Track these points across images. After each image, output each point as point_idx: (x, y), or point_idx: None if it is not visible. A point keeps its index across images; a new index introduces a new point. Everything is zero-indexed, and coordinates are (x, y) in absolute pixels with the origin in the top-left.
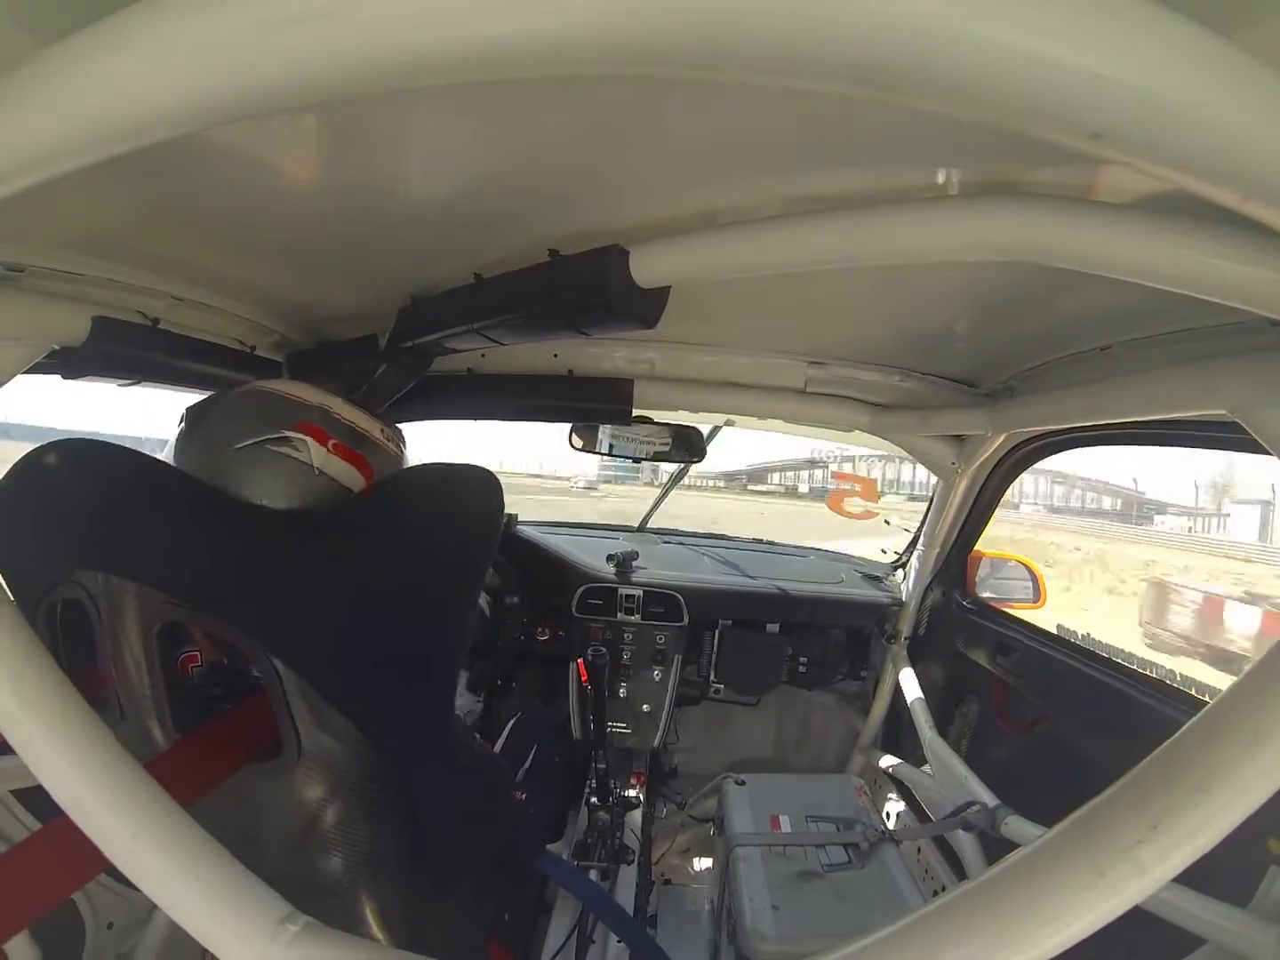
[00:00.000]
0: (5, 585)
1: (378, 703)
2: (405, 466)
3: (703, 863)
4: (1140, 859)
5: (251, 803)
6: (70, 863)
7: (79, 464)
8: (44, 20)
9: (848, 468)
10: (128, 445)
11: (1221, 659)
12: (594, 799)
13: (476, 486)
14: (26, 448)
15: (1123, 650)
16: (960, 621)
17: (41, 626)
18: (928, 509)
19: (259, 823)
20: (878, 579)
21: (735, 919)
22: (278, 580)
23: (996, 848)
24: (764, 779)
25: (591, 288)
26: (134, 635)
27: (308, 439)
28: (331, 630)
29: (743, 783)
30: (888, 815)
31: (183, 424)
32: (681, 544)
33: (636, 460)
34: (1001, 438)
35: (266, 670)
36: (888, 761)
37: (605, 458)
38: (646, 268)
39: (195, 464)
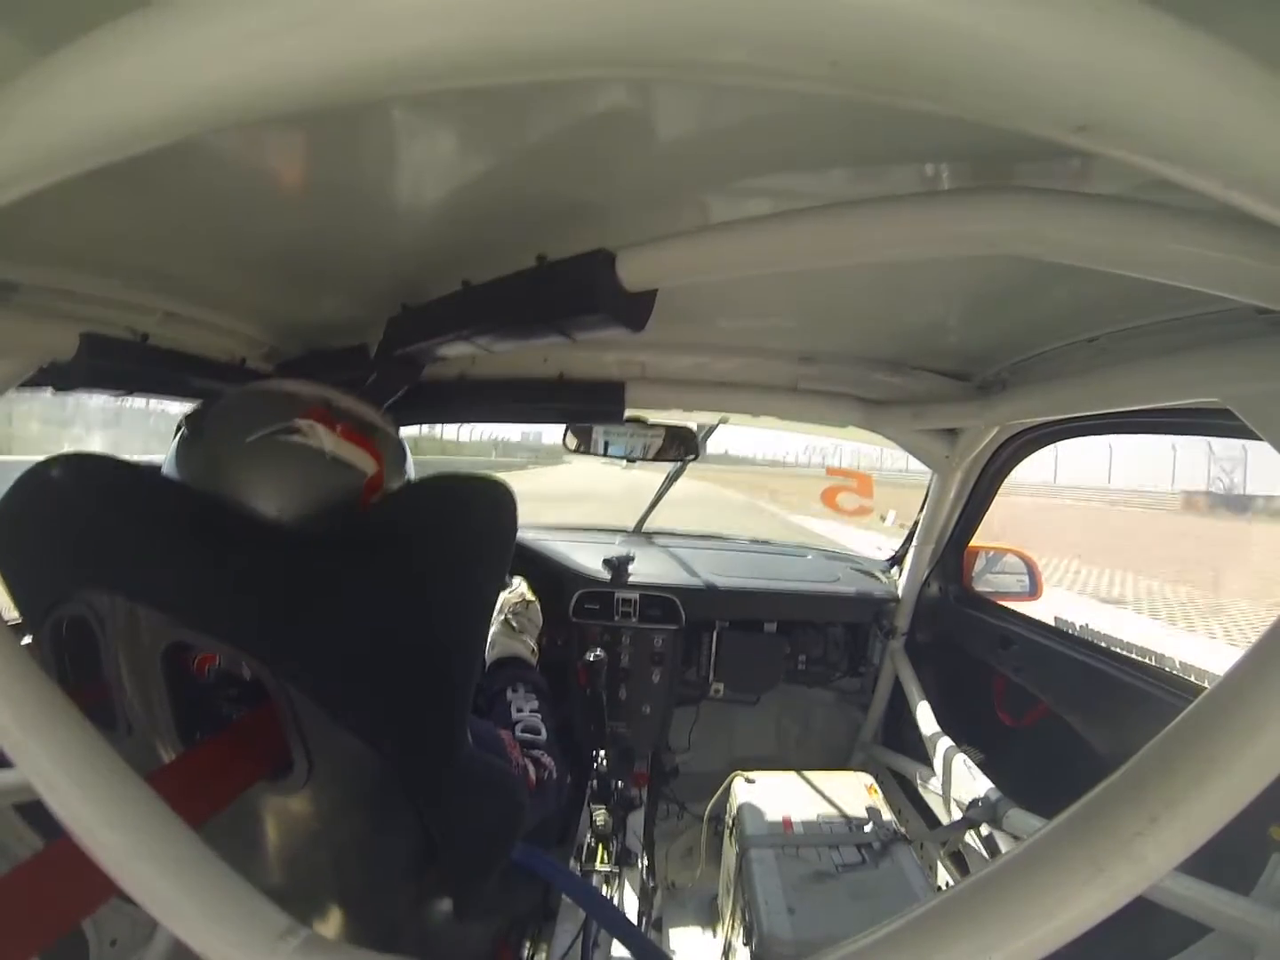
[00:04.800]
0: (10, 600)
1: (390, 722)
2: (412, 478)
3: (707, 864)
4: (1139, 851)
5: (259, 817)
6: (79, 887)
7: (83, 479)
8: (37, 31)
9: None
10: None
11: None
12: (596, 801)
13: (488, 498)
14: None
15: None
16: (958, 615)
17: (47, 641)
18: (923, 504)
19: (266, 837)
20: (875, 576)
21: (751, 922)
22: (283, 601)
23: (1000, 841)
24: (773, 777)
25: (579, 292)
26: (140, 654)
27: (317, 425)
28: (341, 651)
29: (753, 781)
30: (898, 811)
31: (182, 430)
32: (677, 545)
33: (631, 460)
34: (994, 430)
35: (276, 691)
36: (889, 757)
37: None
38: (633, 271)
39: (204, 467)
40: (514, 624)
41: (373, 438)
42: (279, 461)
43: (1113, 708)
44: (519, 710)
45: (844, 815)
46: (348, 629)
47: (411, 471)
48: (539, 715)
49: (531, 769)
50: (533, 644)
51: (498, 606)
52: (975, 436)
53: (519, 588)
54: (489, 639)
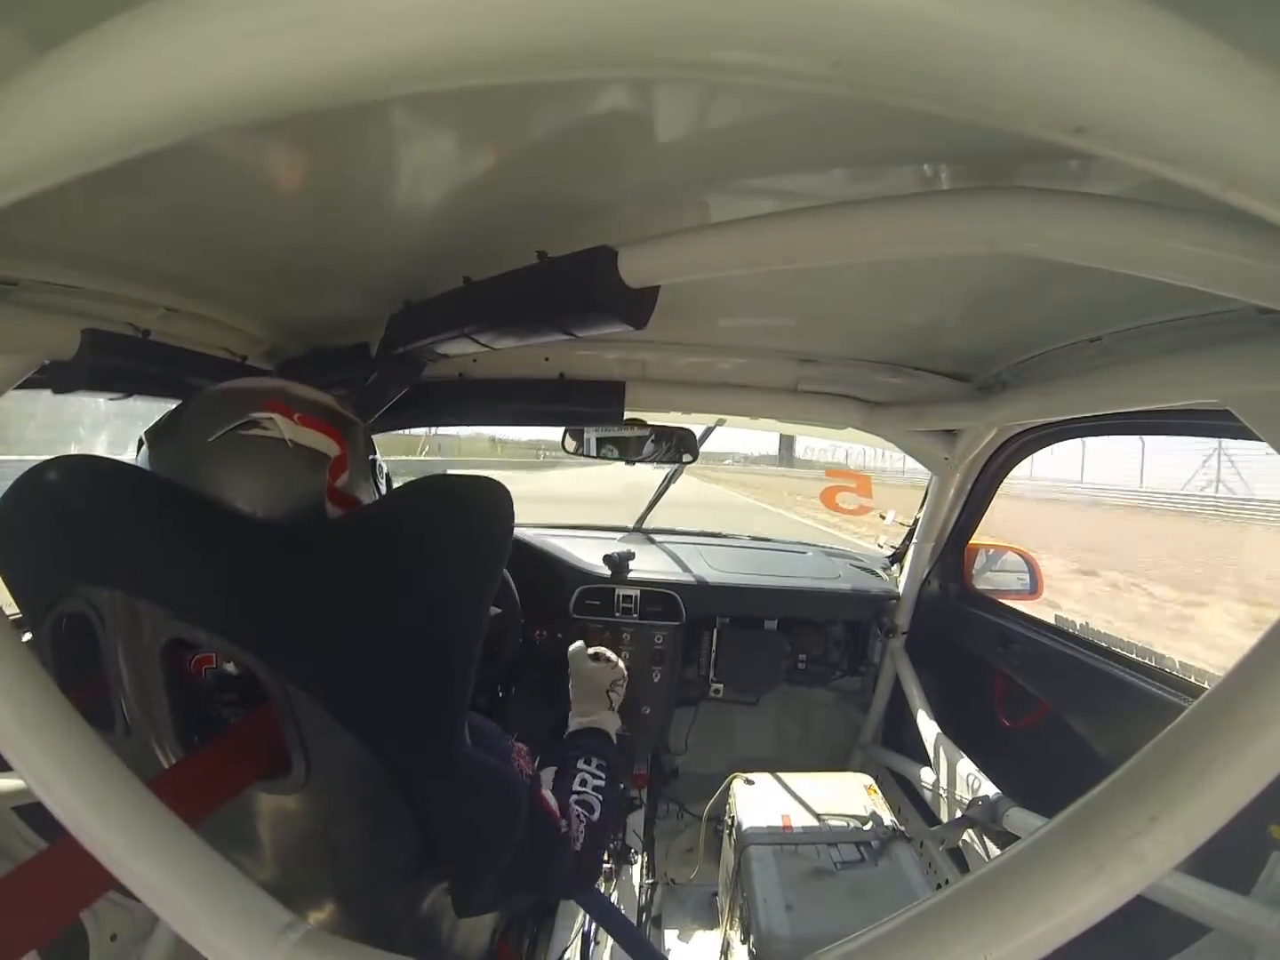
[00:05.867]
0: (10, 600)
1: (388, 721)
2: (377, 459)
3: (706, 862)
4: (1139, 850)
5: (257, 817)
6: (78, 881)
7: (81, 479)
8: (36, 30)
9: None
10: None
11: None
12: None
13: (486, 498)
14: None
15: None
16: (958, 614)
17: (46, 640)
18: (923, 501)
19: (264, 837)
20: (875, 573)
21: (749, 919)
22: (283, 598)
23: (999, 840)
24: (773, 779)
25: (580, 289)
26: (139, 650)
27: (274, 415)
28: (340, 648)
29: (752, 782)
30: (897, 811)
31: (144, 445)
32: (678, 543)
33: (630, 462)
34: (994, 431)
35: (274, 689)
36: (889, 757)
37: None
38: (635, 268)
39: (172, 473)
40: (612, 700)
41: (331, 421)
42: (243, 456)
43: (1113, 707)
44: (582, 783)
45: (843, 815)
46: (346, 627)
47: (377, 455)
48: (600, 795)
49: (562, 822)
50: (619, 722)
51: (609, 680)
52: (974, 438)
53: (619, 664)
54: (585, 707)
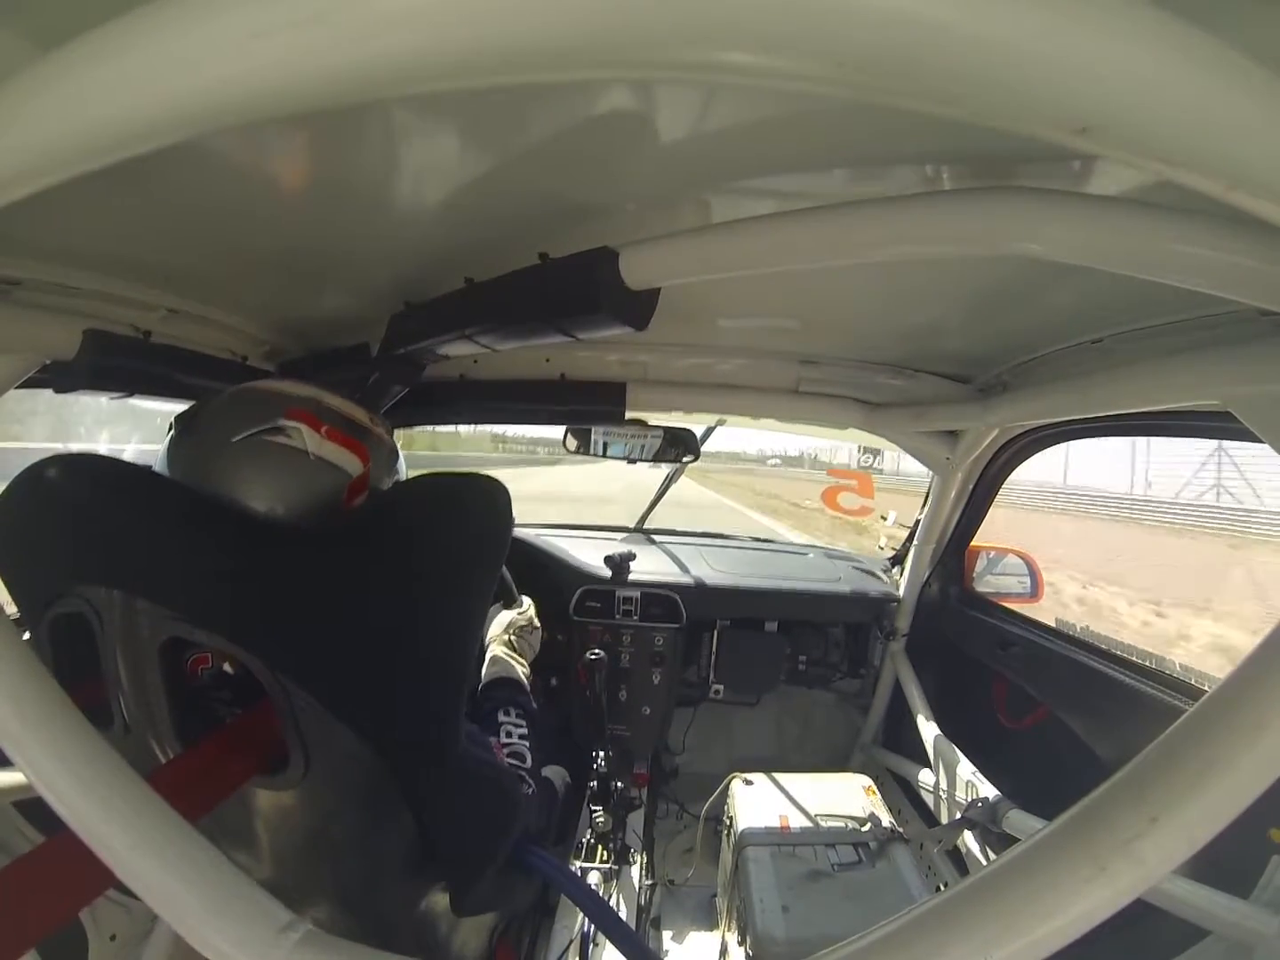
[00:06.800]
0: (9, 599)
1: (387, 718)
2: (405, 475)
3: (706, 863)
4: (1139, 852)
5: (255, 813)
6: (77, 878)
7: (80, 478)
8: (36, 30)
9: None
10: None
11: None
12: (596, 801)
13: (484, 497)
14: None
15: None
16: (958, 616)
17: (44, 639)
18: (923, 503)
19: (262, 833)
20: (876, 576)
21: (746, 920)
22: (280, 595)
23: (999, 842)
24: (772, 779)
25: (581, 290)
26: (137, 649)
27: (301, 426)
28: (339, 647)
29: (751, 782)
30: (897, 812)
31: (173, 430)
32: (678, 544)
33: (631, 461)
34: (995, 432)
35: (273, 687)
36: (889, 759)
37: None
38: (636, 269)
39: (191, 465)
40: (516, 646)
41: (360, 439)
42: (263, 462)
43: (1113, 710)
44: (508, 735)
45: (841, 816)
46: (346, 626)
47: (403, 473)
48: (526, 743)
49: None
50: (527, 670)
51: (504, 624)
52: (976, 438)
53: (528, 610)
54: (488, 656)
